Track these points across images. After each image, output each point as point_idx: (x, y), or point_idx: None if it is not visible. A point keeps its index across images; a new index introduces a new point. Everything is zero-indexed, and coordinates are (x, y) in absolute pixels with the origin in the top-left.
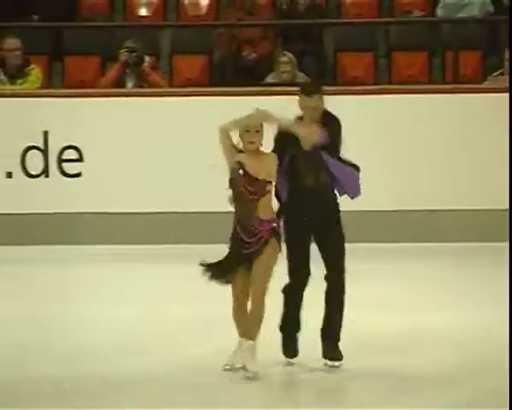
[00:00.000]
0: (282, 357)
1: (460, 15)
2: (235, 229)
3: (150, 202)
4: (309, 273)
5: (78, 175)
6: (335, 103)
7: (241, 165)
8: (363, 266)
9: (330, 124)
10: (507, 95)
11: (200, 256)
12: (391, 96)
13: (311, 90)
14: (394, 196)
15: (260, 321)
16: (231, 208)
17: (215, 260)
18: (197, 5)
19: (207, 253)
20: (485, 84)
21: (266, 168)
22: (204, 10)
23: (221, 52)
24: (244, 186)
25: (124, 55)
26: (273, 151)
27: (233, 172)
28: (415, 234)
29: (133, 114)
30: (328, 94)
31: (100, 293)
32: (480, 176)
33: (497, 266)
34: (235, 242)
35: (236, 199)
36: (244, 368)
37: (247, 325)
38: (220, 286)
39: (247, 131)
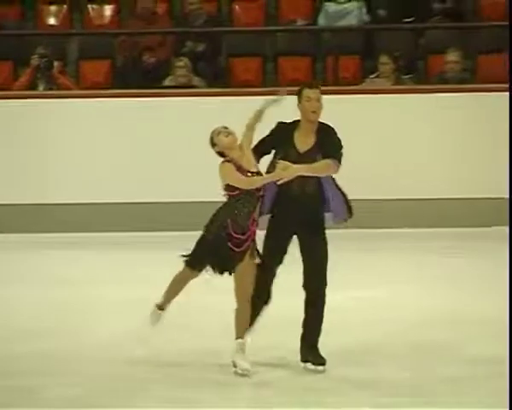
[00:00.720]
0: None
1: (339, 24)
2: (225, 225)
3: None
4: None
5: None
6: (226, 105)
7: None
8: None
9: (328, 133)
10: (383, 95)
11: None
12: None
13: (313, 82)
14: None
15: (248, 321)
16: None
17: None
18: (101, 15)
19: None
20: (363, 86)
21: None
22: (107, 19)
23: (123, 57)
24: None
25: (35, 61)
26: (267, 140)
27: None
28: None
29: (45, 113)
30: (222, 95)
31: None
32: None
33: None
34: (225, 238)
35: (239, 201)
36: (234, 365)
37: (236, 325)
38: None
39: None
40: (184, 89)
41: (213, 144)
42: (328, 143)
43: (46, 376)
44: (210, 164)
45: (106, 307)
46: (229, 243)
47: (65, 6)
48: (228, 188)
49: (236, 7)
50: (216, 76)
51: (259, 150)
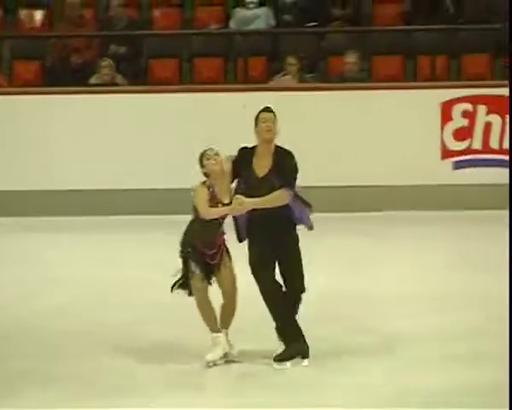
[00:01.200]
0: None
1: (249, 28)
2: (194, 245)
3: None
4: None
5: None
6: (146, 101)
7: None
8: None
9: (283, 158)
10: (290, 93)
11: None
12: (192, 94)
13: (268, 107)
14: None
15: (234, 314)
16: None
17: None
18: (32, 19)
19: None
20: (271, 84)
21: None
22: (39, 23)
23: (53, 58)
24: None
25: None
26: (232, 167)
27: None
28: None
29: None
30: (143, 92)
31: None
32: None
33: None
34: (200, 256)
35: (203, 222)
36: (228, 354)
37: (224, 318)
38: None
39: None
40: (108, 86)
41: (202, 166)
42: (283, 171)
43: None
44: (130, 153)
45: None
46: (206, 259)
47: None
48: (195, 208)
49: (156, 12)
50: (137, 75)
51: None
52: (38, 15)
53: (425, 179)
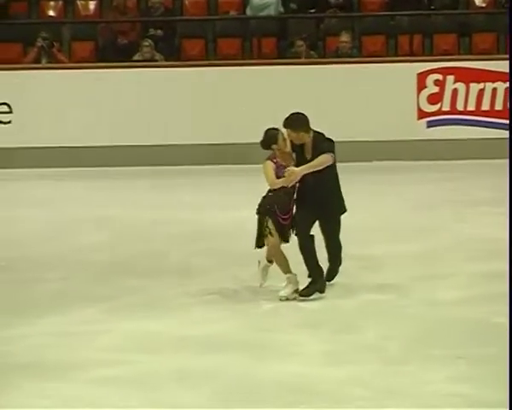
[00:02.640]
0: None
1: (261, 14)
2: (271, 209)
3: (57, 138)
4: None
5: (9, 122)
6: (180, 74)
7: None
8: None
9: (322, 140)
10: (296, 66)
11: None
12: (216, 68)
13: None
14: None
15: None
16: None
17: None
18: (87, 7)
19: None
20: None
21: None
22: (92, 11)
23: (103, 39)
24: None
25: (39, 42)
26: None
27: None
28: None
29: (46, 81)
30: (177, 67)
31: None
32: None
33: None
34: (275, 217)
35: (279, 191)
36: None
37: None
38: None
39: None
40: (148, 62)
41: (276, 143)
42: (323, 146)
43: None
44: (162, 112)
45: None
46: (279, 220)
47: (60, 2)
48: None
49: (186, 1)
50: (171, 52)
51: None
52: (92, 4)
53: (404, 136)
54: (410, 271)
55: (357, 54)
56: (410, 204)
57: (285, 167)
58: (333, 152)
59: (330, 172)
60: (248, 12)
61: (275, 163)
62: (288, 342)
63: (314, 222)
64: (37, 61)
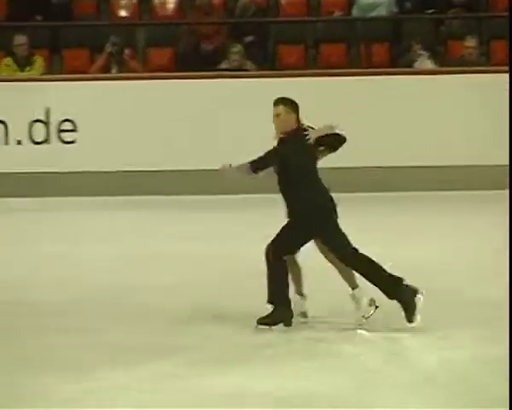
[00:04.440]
0: None
1: (371, 14)
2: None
3: (129, 162)
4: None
5: (73, 142)
6: (274, 85)
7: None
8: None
9: None
10: (411, 76)
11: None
12: (317, 79)
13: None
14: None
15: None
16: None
17: None
18: (165, 7)
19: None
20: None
21: None
22: (171, 11)
23: (184, 45)
24: None
25: (108, 48)
26: None
27: None
28: None
29: (117, 93)
30: (271, 77)
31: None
32: None
33: None
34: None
35: None
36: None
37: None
38: None
39: None
40: (237, 71)
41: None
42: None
43: None
44: (254, 129)
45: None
46: None
47: (134, 0)
48: None
49: (283, 0)
50: (265, 60)
51: None
52: (171, 4)
53: None
54: None
55: (486, 62)
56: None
57: None
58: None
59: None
60: (355, 12)
61: None
62: None
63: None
64: (106, 69)
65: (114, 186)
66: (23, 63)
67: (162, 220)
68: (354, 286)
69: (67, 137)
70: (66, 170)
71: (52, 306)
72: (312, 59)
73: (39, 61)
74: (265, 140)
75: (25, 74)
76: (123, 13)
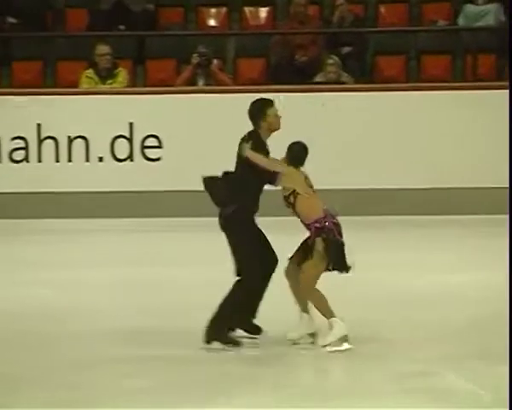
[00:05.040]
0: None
1: (478, 24)
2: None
3: None
4: None
5: (158, 159)
6: (373, 100)
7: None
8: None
9: None
10: None
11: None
12: (420, 93)
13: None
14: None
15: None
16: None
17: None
18: (257, 16)
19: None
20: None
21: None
22: (263, 20)
23: (277, 56)
24: None
25: (195, 59)
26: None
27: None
28: None
29: (204, 107)
30: (369, 90)
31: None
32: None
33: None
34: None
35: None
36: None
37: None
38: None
39: None
40: (334, 84)
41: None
42: None
43: None
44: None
45: None
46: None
47: (224, 8)
48: None
49: (382, 8)
50: (363, 73)
51: None
52: (263, 12)
53: None
54: None
55: None
56: None
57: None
58: None
59: None
60: (461, 21)
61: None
62: None
63: None
64: (193, 82)
65: (201, 206)
66: (105, 75)
67: None
68: (332, 315)
69: (152, 153)
70: (151, 189)
71: None
72: (414, 71)
73: (123, 74)
74: (372, 158)
75: (107, 87)
76: (212, 22)
